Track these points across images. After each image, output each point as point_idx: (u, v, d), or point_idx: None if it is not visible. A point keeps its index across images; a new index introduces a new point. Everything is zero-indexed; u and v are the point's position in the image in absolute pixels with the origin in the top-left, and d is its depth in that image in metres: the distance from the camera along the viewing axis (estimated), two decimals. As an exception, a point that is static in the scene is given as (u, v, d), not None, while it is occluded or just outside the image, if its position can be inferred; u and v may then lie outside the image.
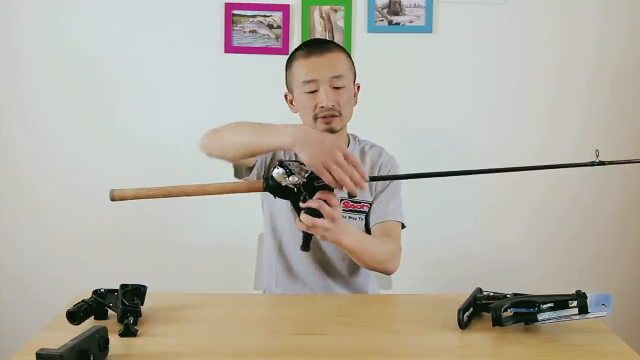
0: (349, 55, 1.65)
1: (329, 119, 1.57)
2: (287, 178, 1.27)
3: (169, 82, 2.42)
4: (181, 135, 2.42)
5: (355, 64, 1.67)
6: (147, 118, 2.43)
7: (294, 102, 1.65)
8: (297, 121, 1.67)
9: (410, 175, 1.35)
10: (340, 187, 1.26)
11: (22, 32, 2.38)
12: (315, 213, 1.29)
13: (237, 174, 1.60)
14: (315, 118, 1.58)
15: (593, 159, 1.27)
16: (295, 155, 1.31)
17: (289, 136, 1.28)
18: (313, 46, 1.61)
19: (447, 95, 2.44)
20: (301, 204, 1.29)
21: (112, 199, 1.30)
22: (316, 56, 1.58)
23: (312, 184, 1.28)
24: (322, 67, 1.57)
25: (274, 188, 1.29)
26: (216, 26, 2.39)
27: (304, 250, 1.34)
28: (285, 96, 1.68)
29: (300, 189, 1.28)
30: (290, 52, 1.69)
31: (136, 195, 1.32)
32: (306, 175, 1.28)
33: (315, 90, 1.57)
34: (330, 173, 1.24)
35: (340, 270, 1.68)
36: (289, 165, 1.28)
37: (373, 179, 1.38)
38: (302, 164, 1.29)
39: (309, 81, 1.57)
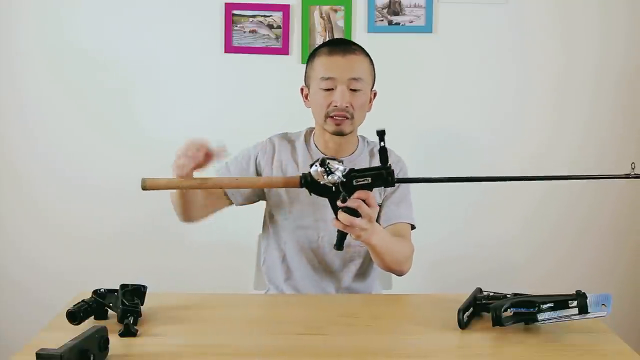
0: (371, 61, 1.63)
1: (340, 120, 1.57)
2: (326, 177, 1.26)
3: (169, 82, 2.42)
4: (181, 135, 2.42)
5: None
6: (147, 118, 2.42)
7: (308, 97, 1.64)
8: (308, 117, 1.67)
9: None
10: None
11: (23, 32, 2.38)
12: (352, 212, 1.27)
13: (236, 203, 1.70)
14: (327, 117, 1.58)
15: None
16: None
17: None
18: (338, 45, 1.60)
19: (448, 95, 2.44)
20: (339, 203, 1.28)
21: (144, 188, 1.32)
22: (339, 55, 1.57)
23: (351, 183, 1.27)
24: (343, 67, 1.56)
25: (311, 185, 1.28)
26: (216, 26, 2.39)
27: (337, 249, 1.33)
28: (302, 90, 1.67)
29: (339, 188, 1.27)
30: (312, 49, 1.70)
31: (168, 185, 1.34)
32: (344, 173, 1.27)
33: (332, 89, 1.56)
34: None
35: (345, 282, 1.68)
36: (329, 163, 1.27)
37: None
38: (341, 161, 1.28)
39: (327, 78, 1.56)
